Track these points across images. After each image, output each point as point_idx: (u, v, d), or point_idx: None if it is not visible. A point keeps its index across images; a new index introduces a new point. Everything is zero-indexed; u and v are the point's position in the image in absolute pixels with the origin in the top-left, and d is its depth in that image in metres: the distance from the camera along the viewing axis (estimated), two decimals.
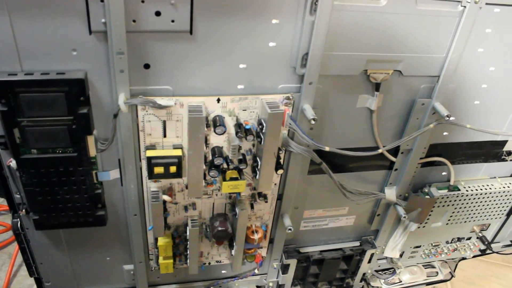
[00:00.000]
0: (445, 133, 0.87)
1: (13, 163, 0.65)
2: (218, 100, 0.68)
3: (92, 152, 0.67)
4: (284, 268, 0.97)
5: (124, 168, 0.71)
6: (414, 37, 0.71)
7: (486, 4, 0.69)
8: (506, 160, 0.97)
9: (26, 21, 0.56)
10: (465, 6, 0.69)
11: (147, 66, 0.63)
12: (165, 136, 0.70)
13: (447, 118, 0.76)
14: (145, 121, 0.67)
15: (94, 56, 0.61)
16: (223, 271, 0.97)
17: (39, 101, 0.60)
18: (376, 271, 1.11)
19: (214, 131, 0.68)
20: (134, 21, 0.59)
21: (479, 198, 0.96)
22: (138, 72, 0.64)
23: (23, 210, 0.72)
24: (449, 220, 0.99)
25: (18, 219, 0.76)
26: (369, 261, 1.03)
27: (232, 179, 0.73)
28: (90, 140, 0.66)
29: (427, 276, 1.18)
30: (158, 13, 0.59)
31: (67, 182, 0.68)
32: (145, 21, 0.59)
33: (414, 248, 1.06)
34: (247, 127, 0.70)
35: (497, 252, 1.15)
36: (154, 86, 0.65)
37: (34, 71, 0.59)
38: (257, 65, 0.67)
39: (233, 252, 0.86)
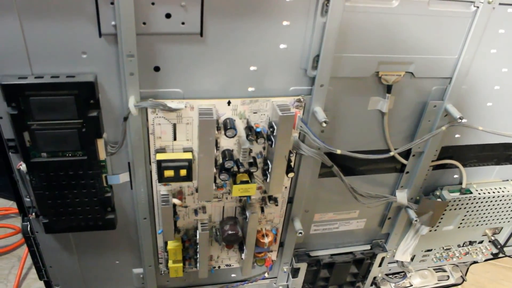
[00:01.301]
0: (457, 135, 0.86)
1: (23, 167, 0.65)
2: (229, 102, 0.67)
3: (102, 155, 0.67)
4: (294, 272, 0.96)
5: (134, 171, 0.71)
6: (426, 38, 0.70)
7: (500, 4, 0.68)
8: None
9: (36, 24, 0.56)
10: (478, 7, 0.68)
11: (157, 68, 0.63)
12: (175, 139, 0.69)
13: (460, 120, 0.75)
14: (155, 124, 0.67)
15: (104, 59, 0.60)
16: (233, 275, 0.97)
17: (49, 104, 0.60)
18: (387, 274, 1.10)
19: (225, 134, 0.67)
20: (144, 23, 0.58)
21: (491, 201, 0.94)
22: (148, 75, 0.63)
23: (33, 214, 0.73)
24: (461, 223, 0.98)
25: (28, 223, 0.76)
26: (380, 265, 1.01)
27: (242, 182, 0.72)
28: (100, 143, 0.66)
29: (438, 280, 1.17)
30: (168, 15, 0.58)
31: (77, 186, 0.68)
32: (155, 23, 0.59)
33: (425, 251, 1.05)
34: (258, 130, 0.69)
35: (509, 256, 1.13)
36: (164, 89, 0.65)
37: (44, 74, 0.59)
38: (267, 67, 0.67)
39: (243, 255, 0.85)
